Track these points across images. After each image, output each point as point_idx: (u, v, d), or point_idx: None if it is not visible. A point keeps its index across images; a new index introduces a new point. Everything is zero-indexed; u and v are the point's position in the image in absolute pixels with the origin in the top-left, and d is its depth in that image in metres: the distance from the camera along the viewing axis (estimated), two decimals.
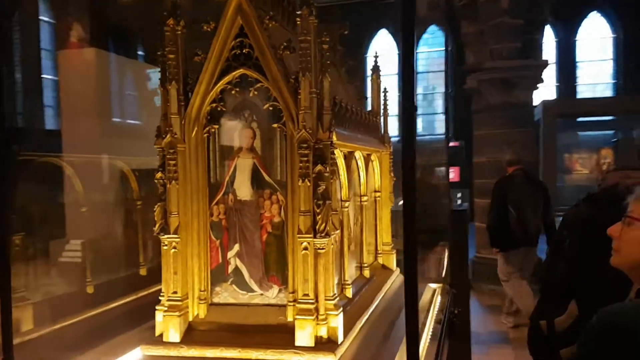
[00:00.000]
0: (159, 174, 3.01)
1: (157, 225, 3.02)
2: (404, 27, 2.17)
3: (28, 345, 3.42)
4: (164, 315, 2.99)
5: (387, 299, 4.18)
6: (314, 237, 2.84)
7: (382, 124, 4.95)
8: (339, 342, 2.90)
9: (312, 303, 2.87)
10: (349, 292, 3.59)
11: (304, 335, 2.83)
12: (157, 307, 3.06)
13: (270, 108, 2.99)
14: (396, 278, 4.87)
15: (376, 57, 5.07)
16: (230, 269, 3.08)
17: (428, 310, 4.52)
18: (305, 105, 2.86)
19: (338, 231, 2.98)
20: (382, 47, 20.25)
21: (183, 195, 3.02)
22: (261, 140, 3.04)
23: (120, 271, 4.62)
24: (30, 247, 4.05)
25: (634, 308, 1.93)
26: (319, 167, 2.84)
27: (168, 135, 2.96)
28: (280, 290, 3.03)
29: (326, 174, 2.87)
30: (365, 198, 4.23)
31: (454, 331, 4.73)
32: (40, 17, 13.65)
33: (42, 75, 13.69)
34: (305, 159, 2.86)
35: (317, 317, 2.87)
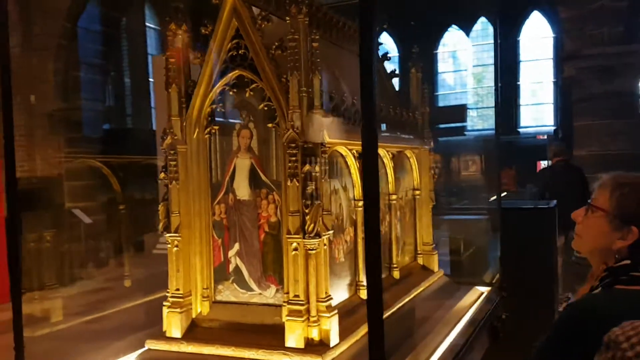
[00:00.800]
0: (162, 175, 3.11)
1: (160, 224, 3.12)
2: (362, 26, 2.07)
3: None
4: (167, 312, 3.08)
5: (413, 303, 4.03)
6: (304, 237, 2.80)
7: (421, 119, 4.76)
8: (331, 345, 2.84)
9: (302, 304, 2.83)
10: (364, 294, 3.50)
11: (294, 336, 2.81)
12: (163, 303, 3.16)
13: (265, 108, 2.98)
14: (435, 280, 4.69)
15: (416, 51, 4.89)
16: (231, 267, 3.12)
17: (465, 314, 4.31)
18: (294, 104, 2.83)
19: (331, 232, 2.91)
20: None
21: (185, 195, 3.10)
22: (258, 141, 3.05)
23: None
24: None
25: (602, 298, 1.99)
26: (307, 166, 2.80)
27: (169, 137, 3.05)
28: (277, 290, 3.02)
29: (315, 174, 2.82)
30: (394, 197, 4.10)
31: (496, 337, 4.48)
32: (147, 24, 14.39)
33: (150, 79, 14.29)
34: (294, 158, 2.83)
35: (308, 318, 2.83)
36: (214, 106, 3.09)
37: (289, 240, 2.84)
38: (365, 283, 3.34)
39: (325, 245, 2.87)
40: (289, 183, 2.81)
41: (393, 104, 4.44)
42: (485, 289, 5.09)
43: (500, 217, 5.33)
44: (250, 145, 3.05)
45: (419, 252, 4.75)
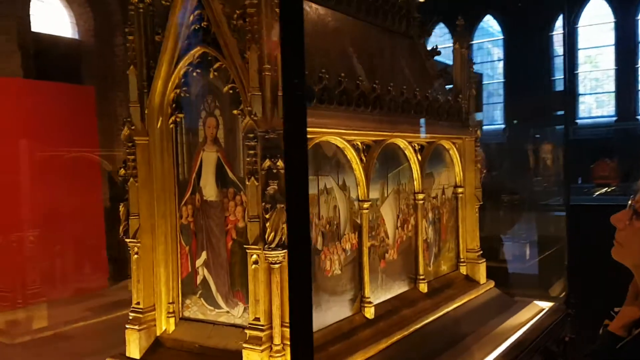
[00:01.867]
0: (121, 171, 2.71)
1: (121, 227, 2.72)
2: None
3: None
4: (125, 328, 2.68)
5: (442, 324, 3.37)
6: (264, 248, 2.27)
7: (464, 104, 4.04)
8: None
9: (263, 329, 2.31)
10: (369, 313, 2.92)
11: None
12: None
13: (230, 91, 2.48)
14: (481, 293, 3.97)
15: (459, 22, 4.16)
16: (199, 279, 2.66)
17: (512, 334, 3.59)
18: (254, 85, 2.30)
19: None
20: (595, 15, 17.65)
21: (147, 194, 2.67)
22: (224, 130, 2.55)
23: None
24: None
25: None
26: (267, 162, 2.26)
27: (125, 127, 2.64)
28: (245, 309, 2.52)
29: (278, 171, 2.27)
30: (420, 196, 3.46)
31: None
32: None
33: None
34: (252, 152, 2.31)
35: (270, 347, 2.30)
36: (178, 90, 2.63)
37: (248, 251, 2.33)
38: (370, 300, 2.77)
39: None
40: (247, 182, 2.30)
41: (425, 85, 3.78)
42: (548, 305, 4.28)
43: (567, 216, 4.48)
44: (216, 136, 2.56)
45: (462, 260, 4.04)
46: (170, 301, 2.70)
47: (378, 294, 3.12)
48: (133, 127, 2.63)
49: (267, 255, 2.27)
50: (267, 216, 2.25)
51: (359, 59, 3.29)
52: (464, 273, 4.06)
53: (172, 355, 2.62)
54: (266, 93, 2.29)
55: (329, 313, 2.73)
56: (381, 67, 3.55)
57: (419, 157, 3.52)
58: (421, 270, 3.51)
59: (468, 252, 4.07)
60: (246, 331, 2.33)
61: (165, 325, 2.69)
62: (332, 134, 2.69)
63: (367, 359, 2.71)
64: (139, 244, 2.65)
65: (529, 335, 3.69)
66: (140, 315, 2.65)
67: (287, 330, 2.31)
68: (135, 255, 2.67)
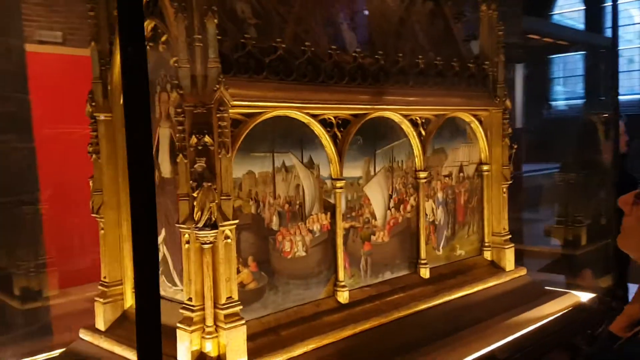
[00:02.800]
0: (90, 148, 2.75)
1: (91, 203, 2.77)
2: None
3: None
4: (94, 300, 2.75)
5: (441, 312, 3.12)
6: (194, 228, 2.20)
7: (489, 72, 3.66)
8: None
9: (193, 310, 2.25)
10: (342, 297, 2.77)
11: (182, 349, 2.25)
12: None
13: (176, 64, 2.40)
14: (506, 281, 3.64)
15: None
16: (160, 256, 2.65)
17: (529, 325, 3.27)
18: (182, 57, 2.20)
19: (234, 222, 2.25)
20: None
21: (112, 170, 2.70)
22: (174, 105, 2.48)
23: None
24: None
25: None
26: (193, 138, 2.17)
27: (87, 104, 2.66)
28: None
29: (206, 147, 2.17)
30: (422, 174, 3.20)
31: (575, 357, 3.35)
32: None
33: None
34: (181, 127, 2.22)
35: (203, 328, 2.24)
36: None
37: (180, 230, 2.26)
38: (343, 284, 2.63)
39: (228, 238, 2.22)
40: (178, 159, 2.22)
41: (447, 51, 3.47)
42: (588, 296, 3.84)
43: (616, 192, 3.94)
44: (169, 112, 2.51)
45: (487, 244, 3.71)
46: None
47: (360, 278, 2.94)
48: (94, 104, 2.64)
49: (197, 235, 2.19)
50: (194, 195, 2.16)
51: (353, 25, 3.07)
52: (489, 259, 3.73)
53: (130, 329, 2.63)
54: (196, 65, 2.19)
55: (288, 296, 2.60)
56: (384, 33, 3.29)
57: (423, 132, 3.24)
58: (422, 254, 3.26)
59: (494, 236, 3.73)
60: (180, 311, 2.28)
61: (132, 300, 2.71)
62: (288, 108, 2.53)
63: (327, 345, 2.55)
64: (103, 220, 2.68)
65: (549, 328, 3.32)
66: (106, 289, 2.70)
67: (220, 312, 2.23)
68: (101, 231, 2.70)
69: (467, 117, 3.56)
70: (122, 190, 2.68)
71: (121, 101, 2.65)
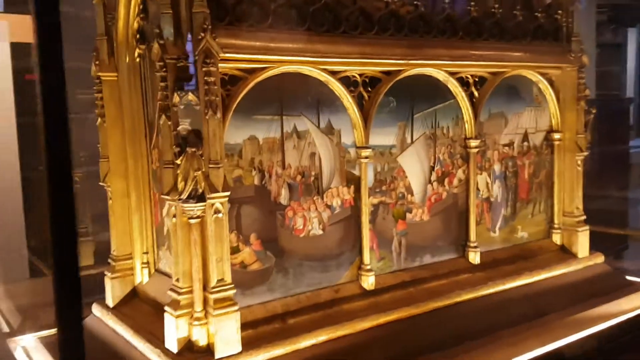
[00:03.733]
0: (96, 111, 2.56)
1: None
2: None
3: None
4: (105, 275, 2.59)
5: (490, 303, 2.69)
6: (178, 200, 1.93)
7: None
8: (216, 357, 1.95)
9: (179, 292, 2.00)
10: (367, 282, 2.43)
11: (169, 335, 2.01)
12: None
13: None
14: (574, 270, 3.13)
15: None
16: (166, 230, 2.43)
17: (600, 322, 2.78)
18: (164, 2, 1.91)
19: (225, 194, 1.95)
20: None
21: (118, 135, 2.49)
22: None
23: None
24: None
25: None
26: (176, 96, 1.89)
27: (92, 64, 2.46)
28: None
29: (191, 107, 1.89)
30: (474, 143, 2.75)
31: None
32: None
33: None
34: (164, 84, 1.95)
35: (191, 314, 1.99)
36: (139, 19, 2.35)
37: (167, 202, 2.01)
38: (369, 267, 2.29)
39: (219, 213, 1.94)
40: (161, 120, 1.96)
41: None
42: None
43: None
44: None
45: (557, 225, 3.19)
46: (145, 251, 2.52)
47: (391, 262, 2.57)
48: (98, 63, 2.43)
49: (183, 208, 1.92)
50: (177, 162, 1.89)
51: None
52: (558, 243, 3.21)
53: (141, 308, 2.45)
54: (180, 10, 1.89)
55: (301, 279, 2.29)
56: None
57: (475, 92, 2.77)
58: (472, 236, 2.82)
59: (565, 216, 3.20)
60: (168, 292, 2.04)
61: (141, 276, 2.53)
62: (300, 63, 2.18)
63: (342, 337, 2.22)
64: (110, 189, 2.50)
65: (628, 325, 2.80)
66: (114, 264, 2.52)
67: (210, 296, 1.97)
68: (109, 201, 2.52)
69: (533, 75, 3.02)
70: (130, 156, 2.47)
71: (126, 59, 2.43)
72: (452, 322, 2.50)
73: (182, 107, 1.86)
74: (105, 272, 2.56)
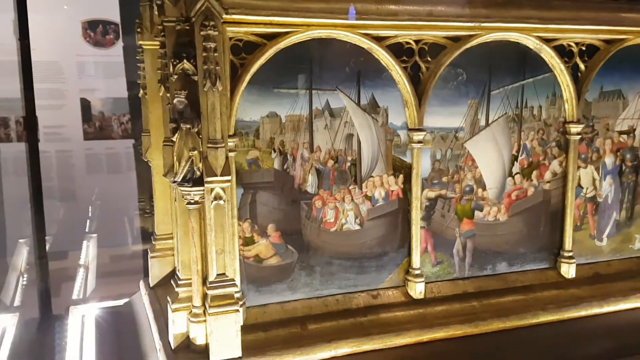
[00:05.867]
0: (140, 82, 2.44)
1: None
2: None
3: None
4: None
5: (580, 328, 2.17)
6: (173, 183, 1.73)
7: None
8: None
9: (178, 284, 1.81)
10: (414, 290, 2.06)
11: (172, 330, 1.83)
12: None
13: None
14: None
15: None
16: None
17: None
18: None
19: (227, 178, 1.69)
20: None
21: (158, 109, 2.34)
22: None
23: None
24: None
25: None
26: (180, 64, 1.66)
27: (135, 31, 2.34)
28: None
29: (187, 77, 1.65)
30: (575, 128, 2.22)
31: None
32: None
33: None
34: (163, 50, 1.73)
35: (190, 309, 1.80)
36: None
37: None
38: (418, 271, 1.96)
39: (220, 199, 1.70)
40: (160, 92, 1.76)
41: None
42: None
43: None
44: None
45: None
46: None
47: (452, 268, 2.15)
48: (139, 30, 2.29)
49: (182, 192, 1.71)
50: (173, 139, 1.68)
51: None
52: None
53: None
54: None
55: (331, 280, 1.99)
56: None
57: (581, 65, 2.20)
58: (567, 244, 2.28)
59: None
60: (171, 282, 1.86)
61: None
62: (332, 27, 1.83)
63: (368, 353, 1.89)
64: (152, 164, 2.38)
65: None
66: (155, 242, 2.41)
67: (212, 292, 1.75)
68: (153, 177, 2.41)
69: None
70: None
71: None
72: (521, 350, 2.02)
73: (175, 77, 1.63)
74: (150, 252, 2.46)
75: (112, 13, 4.53)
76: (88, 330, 2.58)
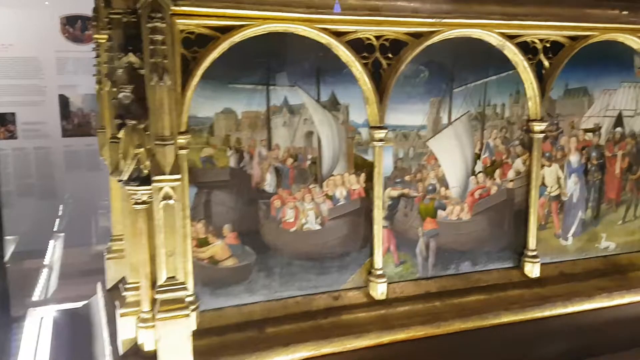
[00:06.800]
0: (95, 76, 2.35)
1: None
2: None
3: None
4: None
5: (536, 331, 2.14)
6: (119, 182, 1.66)
7: None
8: None
9: (127, 288, 1.73)
10: (377, 291, 2.01)
11: (120, 335, 1.76)
12: None
13: None
14: None
15: None
16: None
17: None
18: None
19: (174, 177, 1.62)
20: None
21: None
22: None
23: None
24: None
25: None
26: (126, 57, 1.59)
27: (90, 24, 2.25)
28: None
29: (133, 70, 1.58)
30: (538, 127, 2.19)
31: None
32: None
33: None
34: (109, 43, 1.66)
35: (139, 314, 1.72)
36: None
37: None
38: (380, 272, 1.91)
39: (169, 199, 1.63)
40: (105, 87, 1.68)
41: None
42: None
43: None
44: None
45: None
46: None
47: (415, 268, 2.11)
48: (94, 23, 2.21)
49: (128, 190, 1.64)
50: (118, 136, 1.60)
51: None
52: None
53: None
54: None
55: (290, 281, 1.93)
56: None
57: (545, 62, 2.17)
58: (531, 243, 2.26)
59: None
60: (120, 286, 1.78)
61: None
62: (290, 20, 1.77)
63: (328, 356, 1.83)
64: (107, 162, 2.29)
65: None
66: (111, 243, 2.33)
67: (161, 296, 1.67)
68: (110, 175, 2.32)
69: (634, 42, 2.32)
70: None
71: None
72: (484, 350, 1.99)
73: (120, 70, 1.55)
74: (104, 252, 2.38)
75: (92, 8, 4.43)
76: (44, 333, 2.49)
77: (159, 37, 1.55)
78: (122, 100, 1.58)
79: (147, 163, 1.59)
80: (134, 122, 1.56)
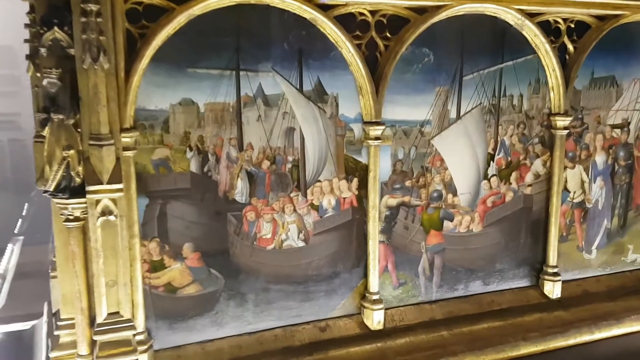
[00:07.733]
0: None
1: None
2: None
3: None
4: None
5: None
6: (45, 193, 1.29)
7: None
8: None
9: (59, 326, 1.38)
10: (372, 319, 1.67)
11: None
12: None
13: None
14: None
15: None
16: None
17: None
18: None
19: (118, 187, 1.26)
20: None
21: None
22: None
23: None
24: None
25: None
26: (51, 34, 1.22)
27: None
28: None
29: (59, 51, 1.22)
30: (562, 121, 1.85)
31: None
32: None
33: None
34: (32, 16, 1.29)
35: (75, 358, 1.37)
36: None
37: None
38: (376, 296, 1.57)
39: (111, 214, 1.27)
40: (29, 72, 1.31)
41: None
42: None
43: None
44: None
45: None
46: None
47: (417, 290, 1.77)
48: None
49: (56, 204, 1.28)
50: (43, 134, 1.24)
51: None
52: None
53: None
54: None
55: (267, 310, 1.58)
56: None
57: (569, 46, 1.84)
58: (551, 258, 1.93)
59: None
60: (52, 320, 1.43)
61: None
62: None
63: None
64: None
65: None
66: (54, 259, 1.96)
67: (101, 337, 1.32)
68: None
69: None
70: None
71: None
72: None
73: (43, 50, 1.19)
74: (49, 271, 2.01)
75: None
76: None
77: (93, 7, 1.19)
78: (46, 89, 1.22)
79: (79, 169, 1.23)
80: (60, 116, 1.20)
